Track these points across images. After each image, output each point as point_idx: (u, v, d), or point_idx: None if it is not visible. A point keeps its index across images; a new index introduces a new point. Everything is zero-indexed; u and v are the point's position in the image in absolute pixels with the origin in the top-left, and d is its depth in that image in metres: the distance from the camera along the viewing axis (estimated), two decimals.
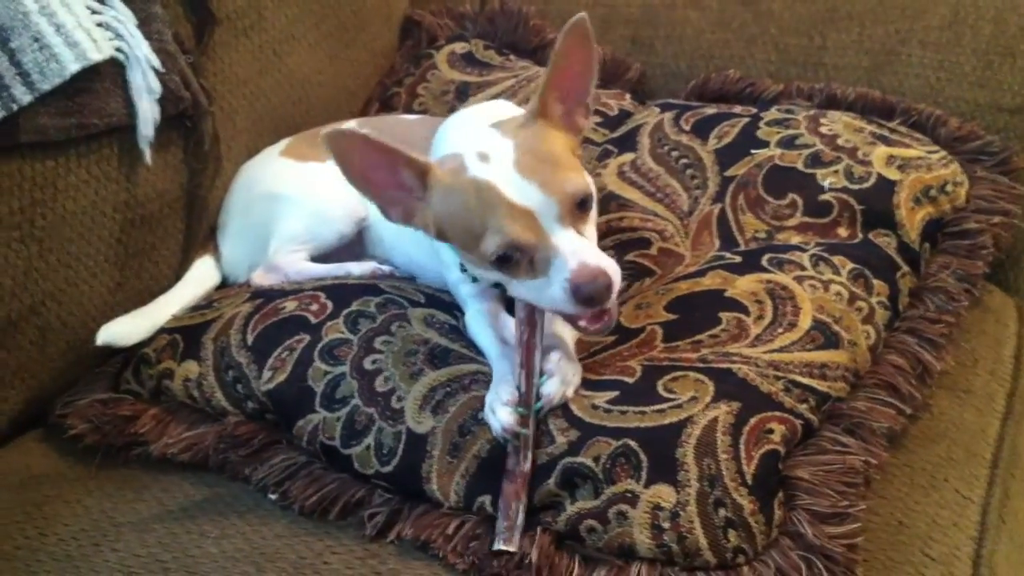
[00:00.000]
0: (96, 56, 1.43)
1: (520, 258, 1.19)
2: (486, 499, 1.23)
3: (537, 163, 1.20)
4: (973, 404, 1.49)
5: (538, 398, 1.25)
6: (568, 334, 1.35)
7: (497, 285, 1.32)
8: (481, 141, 1.24)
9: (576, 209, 1.20)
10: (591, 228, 1.24)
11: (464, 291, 1.43)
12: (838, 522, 1.17)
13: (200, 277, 1.68)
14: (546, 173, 1.19)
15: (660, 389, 1.25)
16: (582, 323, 1.22)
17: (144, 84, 1.49)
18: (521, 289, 1.23)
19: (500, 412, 1.23)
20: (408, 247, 1.61)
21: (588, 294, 1.17)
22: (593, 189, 1.24)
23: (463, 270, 1.38)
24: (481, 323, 1.39)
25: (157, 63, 1.51)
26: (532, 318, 1.28)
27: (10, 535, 1.31)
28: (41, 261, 1.45)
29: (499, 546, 1.17)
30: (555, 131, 1.26)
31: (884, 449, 1.29)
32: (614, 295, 1.19)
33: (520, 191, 1.18)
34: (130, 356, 1.52)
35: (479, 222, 1.19)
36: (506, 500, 1.20)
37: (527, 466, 1.21)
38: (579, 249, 1.18)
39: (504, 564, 1.18)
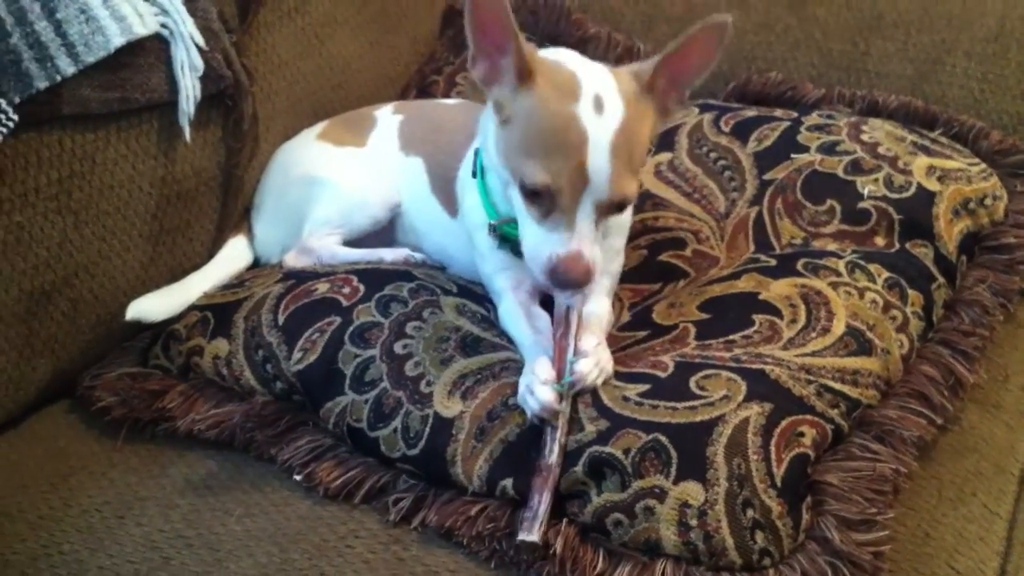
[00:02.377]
0: (141, 31, 1.43)
1: (544, 204, 1.23)
2: (508, 483, 1.23)
3: (625, 151, 1.23)
4: (1003, 419, 1.48)
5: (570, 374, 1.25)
6: (600, 329, 1.35)
7: (517, 248, 1.34)
8: (603, 86, 1.25)
9: (614, 207, 1.26)
10: (614, 229, 1.32)
11: (498, 284, 1.44)
12: (866, 529, 1.16)
13: (232, 256, 1.68)
14: (622, 167, 1.23)
15: (692, 386, 1.24)
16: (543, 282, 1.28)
17: (187, 61, 1.49)
18: (522, 223, 1.28)
19: (538, 391, 1.23)
20: (440, 236, 1.62)
21: (563, 280, 1.24)
22: (634, 200, 1.29)
23: (500, 245, 1.41)
24: (514, 314, 1.39)
25: (201, 41, 1.51)
26: (568, 319, 1.30)
27: (35, 504, 1.32)
28: (76, 233, 1.45)
29: (522, 537, 1.17)
30: (652, 113, 1.29)
31: (913, 459, 1.28)
32: (581, 295, 1.27)
33: (598, 163, 1.21)
34: (159, 331, 1.52)
35: (548, 151, 1.23)
36: (532, 492, 1.20)
37: (554, 459, 1.21)
38: (588, 240, 1.23)
39: (527, 553, 1.17)
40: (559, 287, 1.26)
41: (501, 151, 1.32)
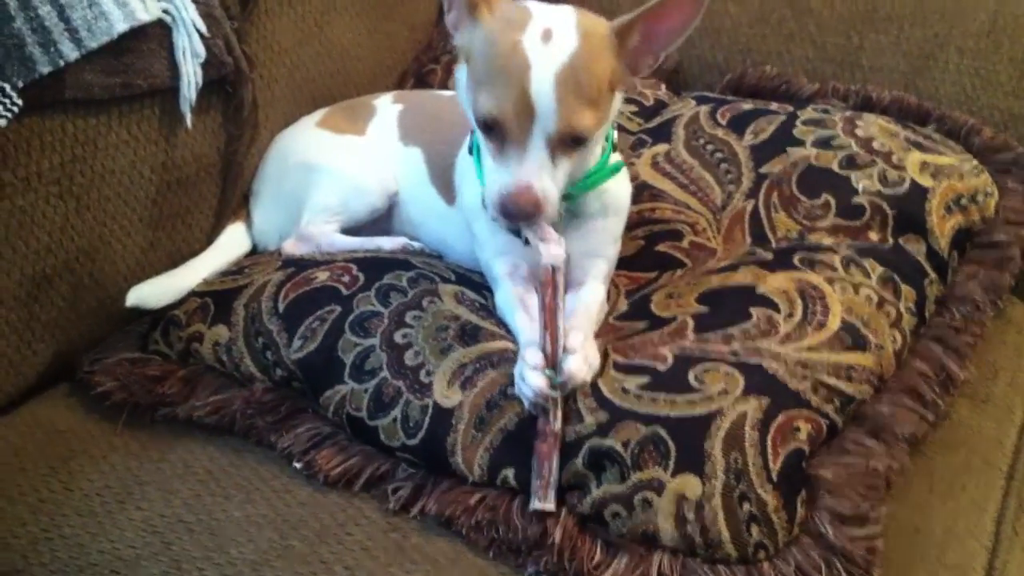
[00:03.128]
0: (144, 16, 1.44)
1: (497, 137, 1.25)
2: (510, 472, 1.24)
3: (574, 84, 1.22)
4: (992, 414, 1.50)
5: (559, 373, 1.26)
6: (588, 321, 1.36)
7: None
8: (555, 21, 1.26)
9: (568, 142, 1.25)
10: (568, 163, 1.28)
11: (496, 270, 1.44)
12: (859, 524, 1.18)
13: (231, 243, 1.69)
14: (571, 98, 1.22)
15: (691, 379, 1.26)
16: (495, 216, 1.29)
17: (189, 47, 1.49)
18: (485, 164, 1.29)
19: (530, 377, 1.23)
20: (437, 225, 1.62)
21: (513, 211, 1.25)
22: (599, 134, 1.30)
23: (476, 154, 1.40)
24: (511, 301, 1.40)
25: (203, 27, 1.52)
26: (553, 280, 1.29)
27: (35, 488, 1.32)
28: (77, 218, 1.46)
29: (535, 505, 1.19)
30: (614, 58, 1.28)
31: (906, 454, 1.30)
32: (541, 220, 1.27)
33: (542, 92, 1.21)
34: (159, 317, 1.53)
35: (492, 81, 1.24)
36: (539, 459, 1.21)
37: (558, 425, 1.22)
38: (535, 171, 1.24)
39: (526, 538, 1.19)
40: (510, 219, 1.26)
41: (462, 90, 1.34)
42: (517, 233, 1.35)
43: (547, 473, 1.20)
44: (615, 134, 1.47)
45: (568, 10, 1.29)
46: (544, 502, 1.19)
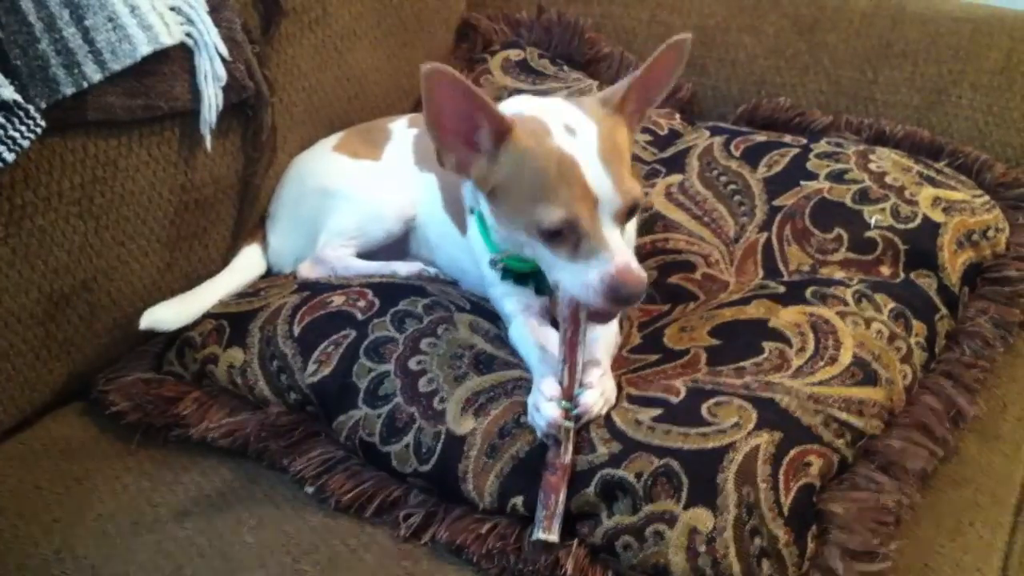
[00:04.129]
0: (167, 40, 1.45)
1: (569, 238, 1.24)
2: (519, 500, 1.25)
3: (614, 156, 1.25)
4: (1001, 450, 1.50)
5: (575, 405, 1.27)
6: (606, 354, 1.37)
7: (521, 279, 1.39)
8: (567, 114, 1.28)
9: (626, 213, 1.27)
10: (630, 234, 1.30)
11: (508, 308, 1.46)
12: (869, 560, 1.19)
13: (247, 265, 1.69)
14: (619, 169, 1.25)
15: (704, 412, 1.27)
16: (602, 311, 1.28)
17: (211, 71, 1.51)
18: (552, 265, 1.28)
19: (544, 407, 1.25)
20: (452, 251, 1.63)
21: (625, 294, 1.23)
22: (644, 198, 1.31)
23: (504, 277, 1.41)
24: (524, 331, 1.41)
25: (224, 51, 1.53)
26: (576, 316, 1.31)
27: (49, 507, 1.33)
28: (96, 238, 1.47)
29: (539, 535, 1.19)
30: (624, 126, 1.32)
31: (916, 490, 1.31)
32: (640, 301, 1.26)
33: (597, 177, 1.23)
34: (174, 337, 1.53)
35: (548, 191, 1.24)
36: (547, 491, 1.22)
37: (568, 458, 1.23)
38: (625, 251, 1.25)
39: (537, 569, 1.19)
40: (622, 303, 1.25)
41: (503, 220, 1.34)
42: (526, 281, 1.39)
43: (553, 505, 1.21)
44: None
45: (561, 102, 1.33)
46: (548, 534, 1.19)
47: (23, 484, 1.37)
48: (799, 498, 1.21)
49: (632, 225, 1.50)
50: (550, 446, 1.25)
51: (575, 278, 1.26)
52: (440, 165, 1.33)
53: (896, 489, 1.27)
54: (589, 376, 1.30)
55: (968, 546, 1.33)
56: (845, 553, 1.18)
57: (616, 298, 1.23)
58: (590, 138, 1.25)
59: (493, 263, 1.43)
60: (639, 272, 1.23)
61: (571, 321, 1.31)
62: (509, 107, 1.36)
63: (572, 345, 1.30)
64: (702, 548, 1.16)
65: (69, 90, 1.37)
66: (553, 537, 1.19)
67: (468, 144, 1.29)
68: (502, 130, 1.27)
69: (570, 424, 1.25)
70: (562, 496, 1.21)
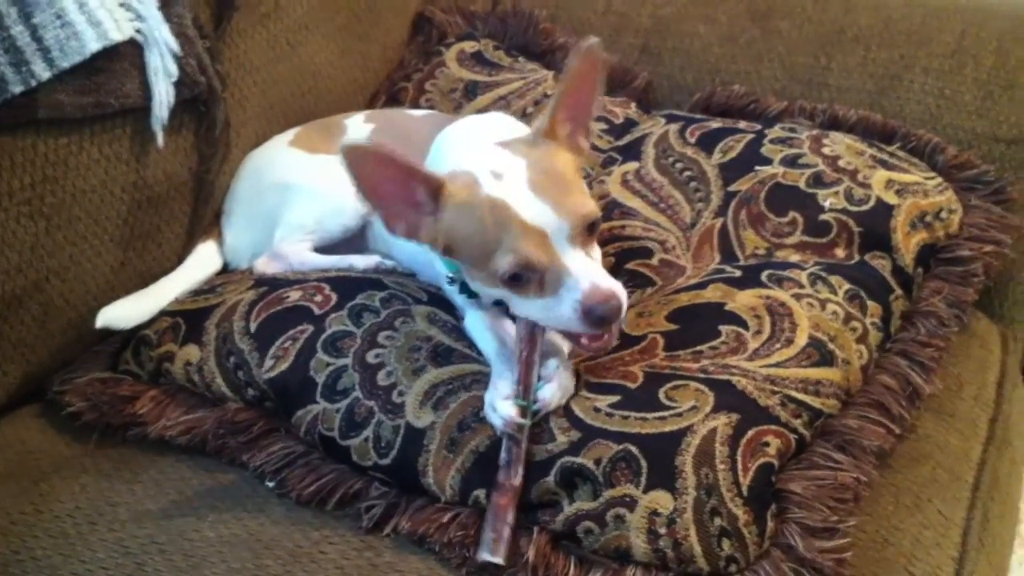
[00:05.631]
0: (117, 36, 1.44)
1: (531, 277, 1.21)
2: (481, 492, 1.25)
3: (550, 184, 1.22)
4: (957, 428, 1.52)
5: (534, 401, 1.27)
6: (564, 344, 1.36)
7: (498, 303, 1.33)
8: (493, 159, 1.25)
9: (586, 231, 1.22)
10: (597, 251, 1.27)
11: (460, 300, 1.45)
12: (828, 536, 1.20)
13: (202, 262, 1.68)
14: (558, 194, 1.21)
15: (662, 396, 1.27)
16: (583, 340, 1.25)
17: (161, 67, 1.50)
18: (528, 308, 1.25)
19: (500, 406, 1.25)
20: (408, 244, 1.62)
21: (600, 315, 1.19)
22: (599, 213, 1.25)
23: (462, 291, 1.39)
24: (480, 325, 1.40)
25: (175, 46, 1.51)
26: (532, 336, 1.30)
27: (6, 510, 1.32)
28: (48, 238, 1.45)
29: (485, 557, 1.18)
30: (563, 151, 1.28)
31: (873, 467, 1.32)
32: (623, 315, 1.22)
33: (534, 211, 1.19)
34: (130, 336, 1.52)
35: (492, 240, 1.20)
36: (494, 512, 1.21)
37: (518, 480, 1.22)
38: (591, 271, 1.20)
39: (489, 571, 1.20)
40: (605, 323, 1.21)
41: (468, 275, 1.32)
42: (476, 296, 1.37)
43: (501, 527, 1.20)
44: None
45: (488, 146, 1.29)
46: (494, 556, 1.18)
47: None
48: (758, 478, 1.22)
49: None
50: (501, 466, 1.24)
51: (550, 313, 1.22)
52: (391, 233, 1.28)
53: (853, 467, 1.29)
54: (546, 369, 1.30)
55: (928, 522, 1.35)
56: (804, 530, 1.19)
57: (595, 321, 1.20)
58: (518, 176, 1.22)
59: (451, 280, 1.41)
60: (608, 287, 1.19)
61: (527, 342, 1.29)
62: (448, 151, 1.37)
63: (528, 365, 1.28)
64: (663, 530, 1.16)
65: (18, 88, 1.35)
66: (499, 559, 1.18)
67: (413, 205, 1.25)
68: (436, 188, 1.24)
69: (527, 422, 1.24)
70: (510, 518, 1.20)
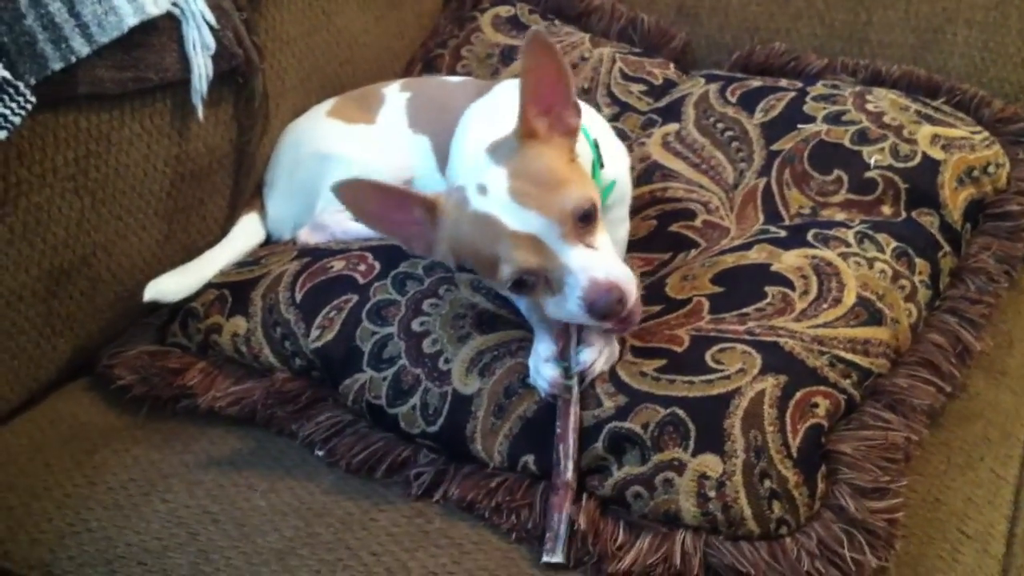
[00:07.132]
0: (154, 10, 1.44)
1: (535, 280, 1.21)
2: (530, 458, 1.26)
3: (531, 187, 1.20)
4: (1008, 385, 1.50)
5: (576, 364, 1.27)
6: None
7: None
8: (479, 172, 1.24)
9: (579, 223, 1.20)
10: (602, 236, 1.23)
11: None
12: (879, 497, 1.19)
13: (246, 233, 1.69)
14: (542, 195, 1.19)
15: (708, 360, 1.27)
16: (607, 325, 1.23)
17: (199, 40, 1.50)
18: (545, 306, 1.24)
19: (543, 369, 1.26)
20: None
21: (601, 309, 1.18)
22: (597, 198, 1.23)
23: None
24: None
25: (212, 19, 1.52)
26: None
27: (60, 483, 1.34)
28: (93, 213, 1.46)
29: (548, 559, 1.18)
30: (544, 147, 1.25)
31: (924, 426, 1.31)
32: (630, 304, 1.20)
33: (519, 219, 1.18)
34: (177, 309, 1.54)
35: (489, 253, 1.20)
36: (551, 512, 1.21)
37: (570, 475, 1.22)
38: (589, 265, 1.19)
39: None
40: (611, 313, 1.19)
41: (487, 283, 1.35)
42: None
43: (557, 525, 1.20)
44: (591, 133, 1.39)
45: (478, 159, 1.27)
46: (554, 555, 1.18)
47: (33, 462, 1.37)
48: (807, 439, 1.21)
49: (623, 183, 1.48)
50: (555, 462, 1.23)
51: (562, 308, 1.21)
52: (413, 254, 1.31)
53: (904, 426, 1.28)
54: (588, 335, 1.29)
55: (980, 480, 1.34)
56: (855, 491, 1.19)
57: (601, 313, 1.19)
58: (500, 187, 1.20)
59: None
60: (606, 280, 1.18)
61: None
62: (469, 132, 1.41)
63: (567, 326, 1.28)
64: (712, 493, 1.16)
65: (58, 65, 1.35)
66: (557, 558, 1.18)
67: (417, 226, 1.26)
68: (431, 208, 1.25)
69: (572, 383, 1.25)
70: (565, 515, 1.20)
